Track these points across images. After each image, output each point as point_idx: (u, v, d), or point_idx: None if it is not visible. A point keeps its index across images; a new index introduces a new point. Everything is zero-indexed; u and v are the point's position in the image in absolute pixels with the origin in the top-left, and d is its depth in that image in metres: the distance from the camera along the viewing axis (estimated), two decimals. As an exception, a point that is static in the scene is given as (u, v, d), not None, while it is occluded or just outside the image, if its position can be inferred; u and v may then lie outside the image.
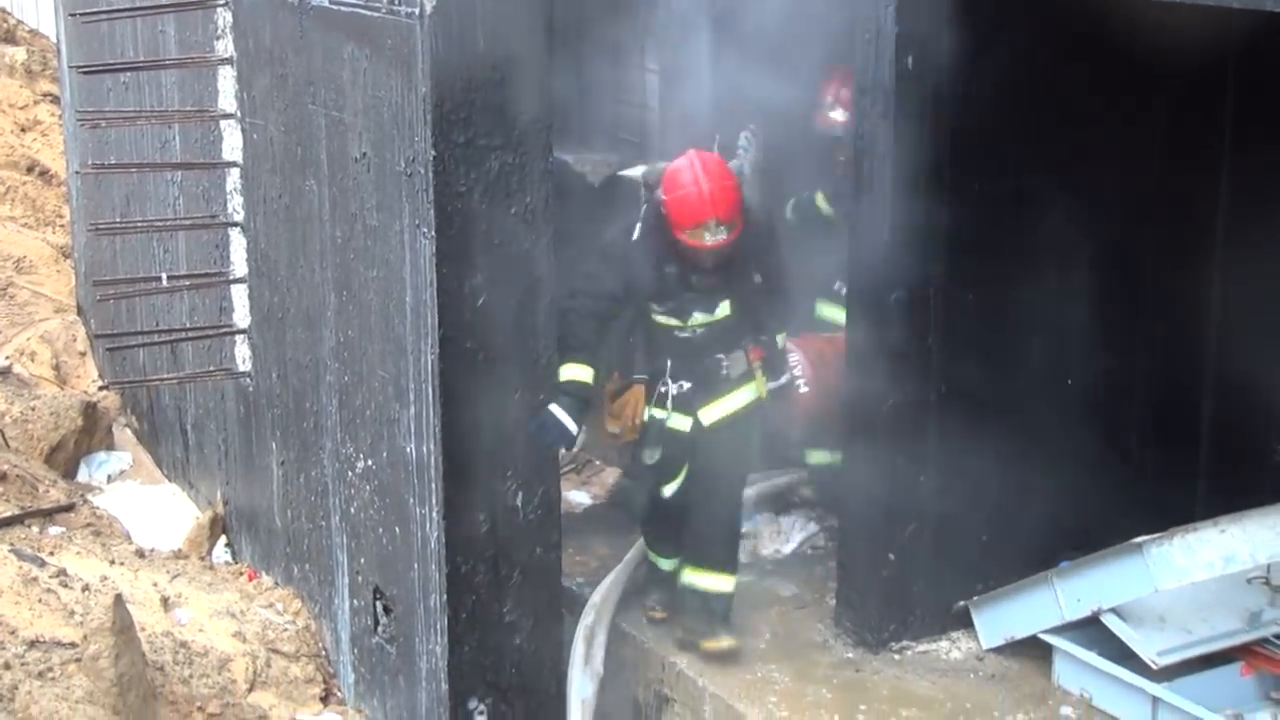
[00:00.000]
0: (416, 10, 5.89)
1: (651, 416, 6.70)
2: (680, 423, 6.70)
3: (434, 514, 6.31)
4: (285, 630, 7.55)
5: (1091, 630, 6.37)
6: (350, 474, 7.08)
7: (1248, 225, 6.98)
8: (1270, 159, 6.73)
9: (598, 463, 8.85)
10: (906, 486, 6.66)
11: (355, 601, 7.21)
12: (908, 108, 6.28)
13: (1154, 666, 6.08)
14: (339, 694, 7.39)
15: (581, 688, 6.73)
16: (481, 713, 6.52)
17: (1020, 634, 6.59)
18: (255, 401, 8.19)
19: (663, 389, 6.66)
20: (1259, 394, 6.90)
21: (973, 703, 6.41)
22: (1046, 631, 6.39)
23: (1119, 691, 6.18)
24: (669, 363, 6.64)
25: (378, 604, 6.98)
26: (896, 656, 6.80)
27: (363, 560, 7.09)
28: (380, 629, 7.00)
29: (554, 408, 6.34)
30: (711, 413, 6.70)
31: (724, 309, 6.54)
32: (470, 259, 6.11)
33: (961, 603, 6.86)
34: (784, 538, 7.80)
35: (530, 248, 6.24)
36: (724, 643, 6.58)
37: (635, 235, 6.52)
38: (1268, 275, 6.84)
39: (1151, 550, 6.08)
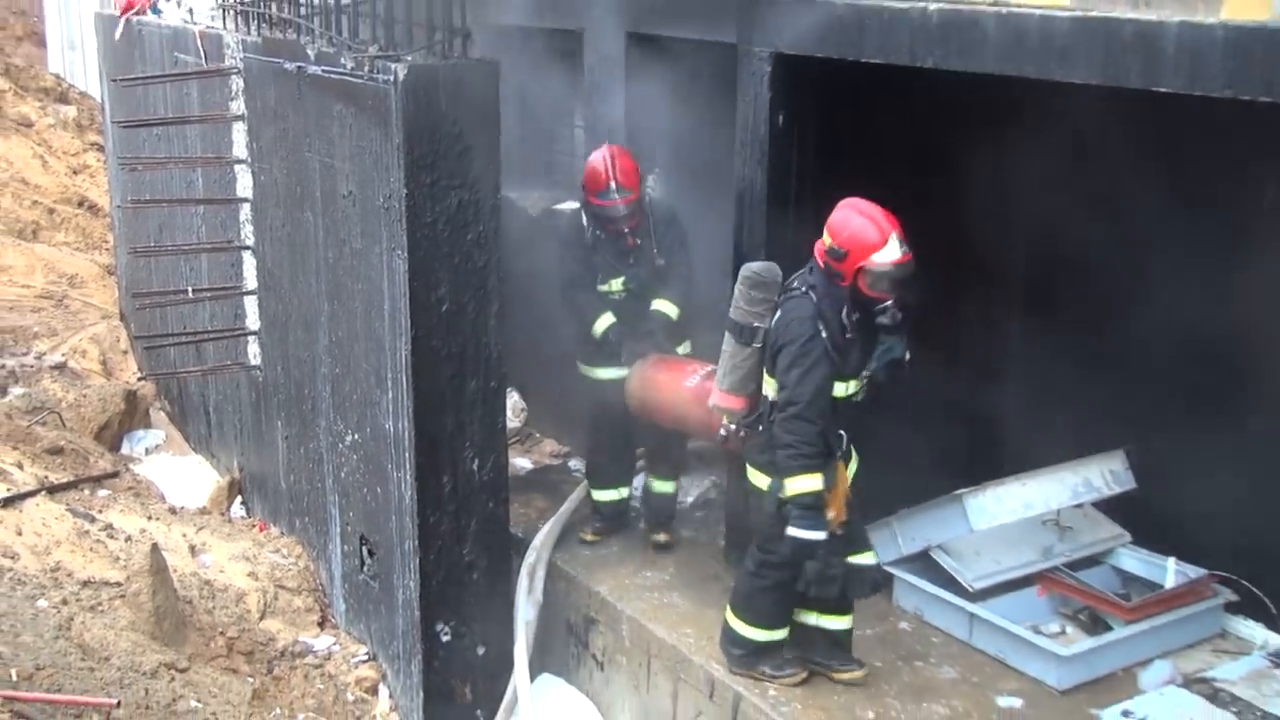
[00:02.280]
0: (391, 78, 5.93)
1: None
2: None
3: (408, 477, 6.34)
4: (289, 570, 7.56)
5: (923, 562, 6.44)
6: (341, 445, 7.09)
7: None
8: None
9: (537, 435, 8.86)
10: None
11: (345, 547, 7.23)
12: (775, 156, 6.25)
13: (971, 590, 6.19)
14: (333, 620, 7.40)
15: (525, 612, 6.72)
16: (446, 634, 6.53)
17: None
18: (264, 389, 8.19)
19: (842, 460, 5.53)
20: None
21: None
22: (888, 564, 6.40)
23: (944, 610, 6.28)
24: (843, 434, 5.52)
25: (364, 549, 7.00)
26: None
27: (351, 514, 7.11)
28: (366, 568, 7.01)
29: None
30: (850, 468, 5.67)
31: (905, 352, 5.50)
32: (436, 275, 6.14)
33: None
34: (684, 492, 7.71)
35: (483, 266, 6.26)
36: (858, 673, 5.79)
37: (819, 302, 5.37)
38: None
39: (969, 499, 6.21)
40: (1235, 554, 6.18)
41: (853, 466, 5.60)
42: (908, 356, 5.41)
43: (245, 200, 7.98)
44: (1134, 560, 6.57)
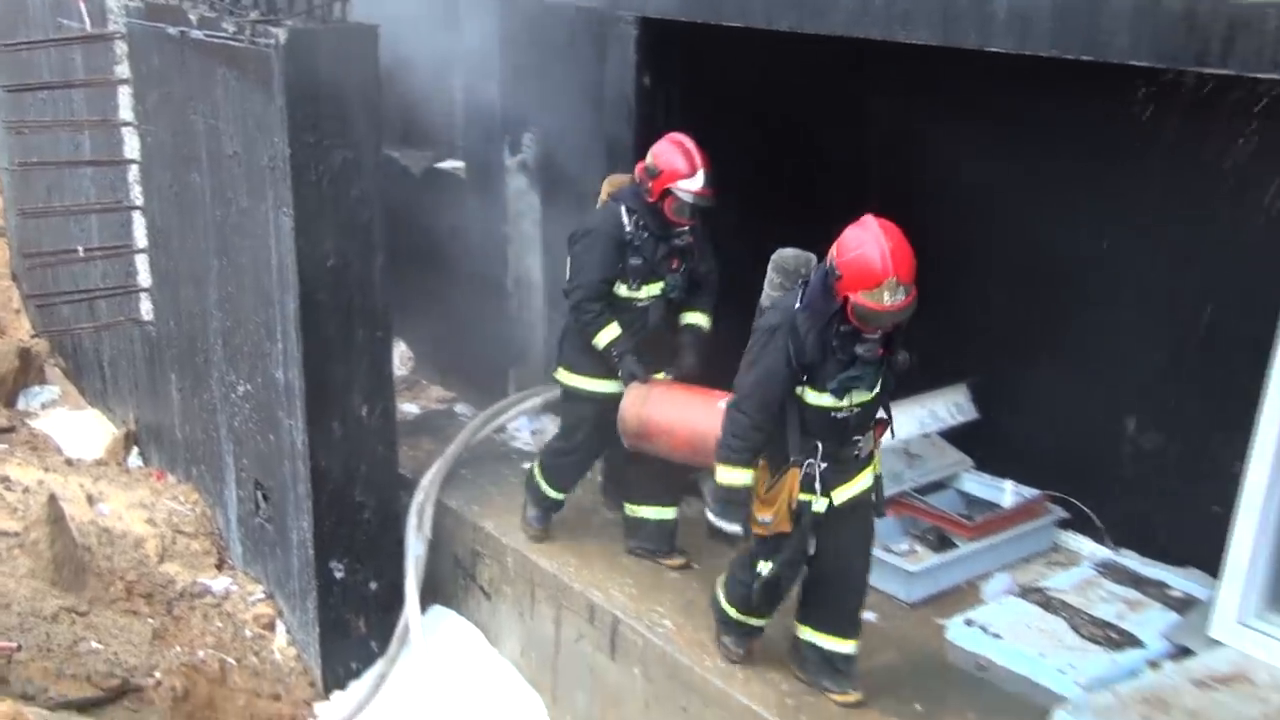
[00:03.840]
0: (273, 42, 5.75)
1: (801, 502, 4.79)
2: (820, 505, 4.85)
3: (299, 424, 6.22)
4: (186, 516, 7.39)
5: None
6: (233, 395, 6.92)
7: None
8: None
9: (423, 382, 8.74)
10: None
11: (241, 492, 7.07)
12: (642, 115, 6.24)
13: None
14: (230, 562, 7.26)
15: (415, 549, 6.65)
16: (340, 571, 6.46)
17: (734, 497, 6.66)
18: (157, 343, 7.95)
19: (810, 471, 4.75)
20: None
21: (695, 545, 6.34)
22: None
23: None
24: (819, 445, 4.75)
25: (258, 493, 6.85)
26: None
27: (245, 461, 6.96)
28: (261, 512, 6.87)
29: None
30: (844, 493, 4.87)
31: (879, 388, 4.80)
32: (321, 231, 5.99)
33: (691, 476, 6.65)
34: (564, 434, 7.70)
35: (367, 222, 6.12)
36: (853, 696, 5.09)
37: (798, 311, 4.64)
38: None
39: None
40: (1065, 476, 6.32)
41: (853, 488, 4.88)
42: (874, 393, 4.75)
43: (133, 162, 7.67)
44: (976, 484, 6.66)
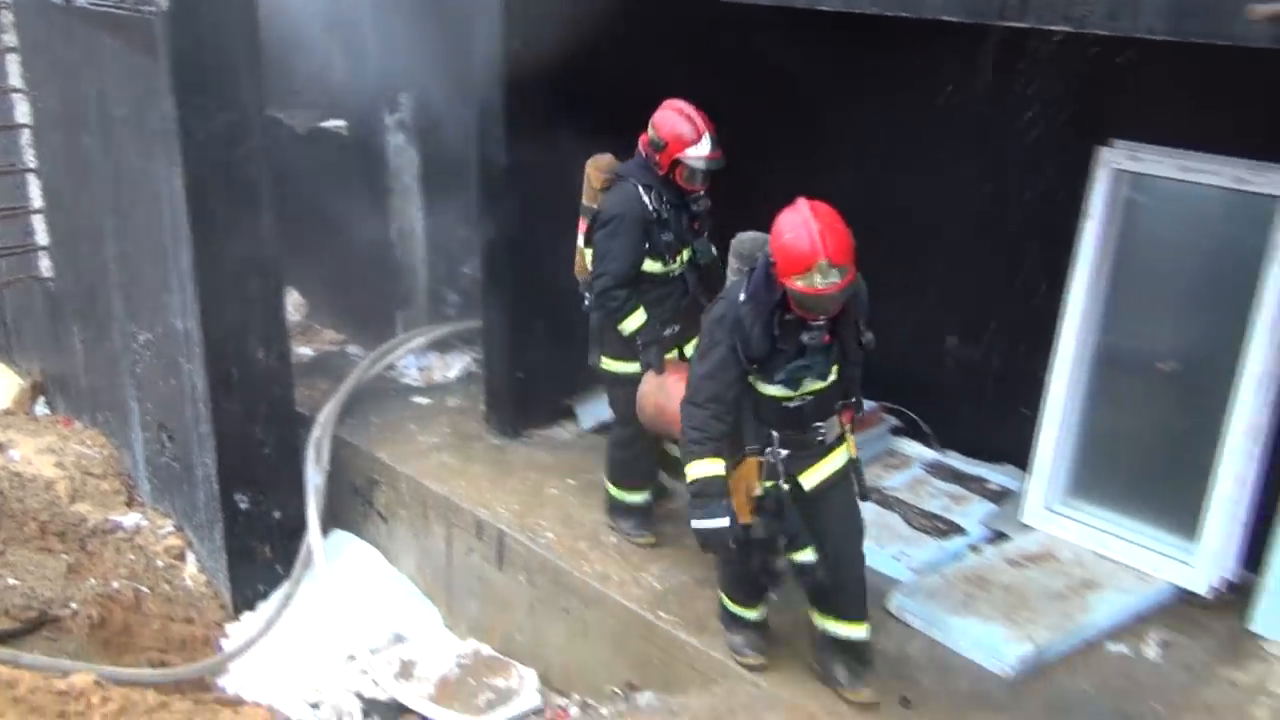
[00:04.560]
0: (155, 10, 5.68)
1: (766, 489, 4.40)
2: (784, 489, 4.44)
3: (199, 368, 6.21)
4: (95, 459, 7.33)
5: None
6: (135, 344, 6.87)
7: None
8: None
9: (317, 326, 8.72)
10: (525, 332, 6.69)
11: (146, 434, 7.05)
12: (511, 77, 6.20)
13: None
14: (140, 499, 7.23)
15: (314, 479, 6.72)
16: (245, 503, 6.49)
17: (604, 418, 6.63)
18: (58, 298, 7.83)
19: (771, 460, 4.37)
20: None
21: (572, 464, 6.55)
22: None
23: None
24: (775, 434, 4.37)
25: (163, 435, 6.84)
26: (527, 440, 6.85)
27: (149, 404, 6.93)
28: (166, 451, 6.86)
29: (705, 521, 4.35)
30: (813, 477, 4.49)
31: (834, 374, 4.38)
32: (210, 188, 5.96)
33: (566, 401, 7.00)
34: (448, 367, 7.78)
35: (254, 178, 6.09)
36: (862, 695, 4.70)
37: (742, 303, 4.25)
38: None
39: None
40: (898, 389, 6.53)
41: (822, 470, 4.50)
42: (829, 380, 4.37)
43: (25, 126, 7.53)
44: None
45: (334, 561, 6.61)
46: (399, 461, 6.69)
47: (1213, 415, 5.15)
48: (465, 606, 6.35)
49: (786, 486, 4.42)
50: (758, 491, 4.40)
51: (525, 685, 5.82)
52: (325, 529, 6.70)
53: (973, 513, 5.97)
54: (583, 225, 5.51)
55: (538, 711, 5.70)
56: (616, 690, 5.43)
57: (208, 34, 5.78)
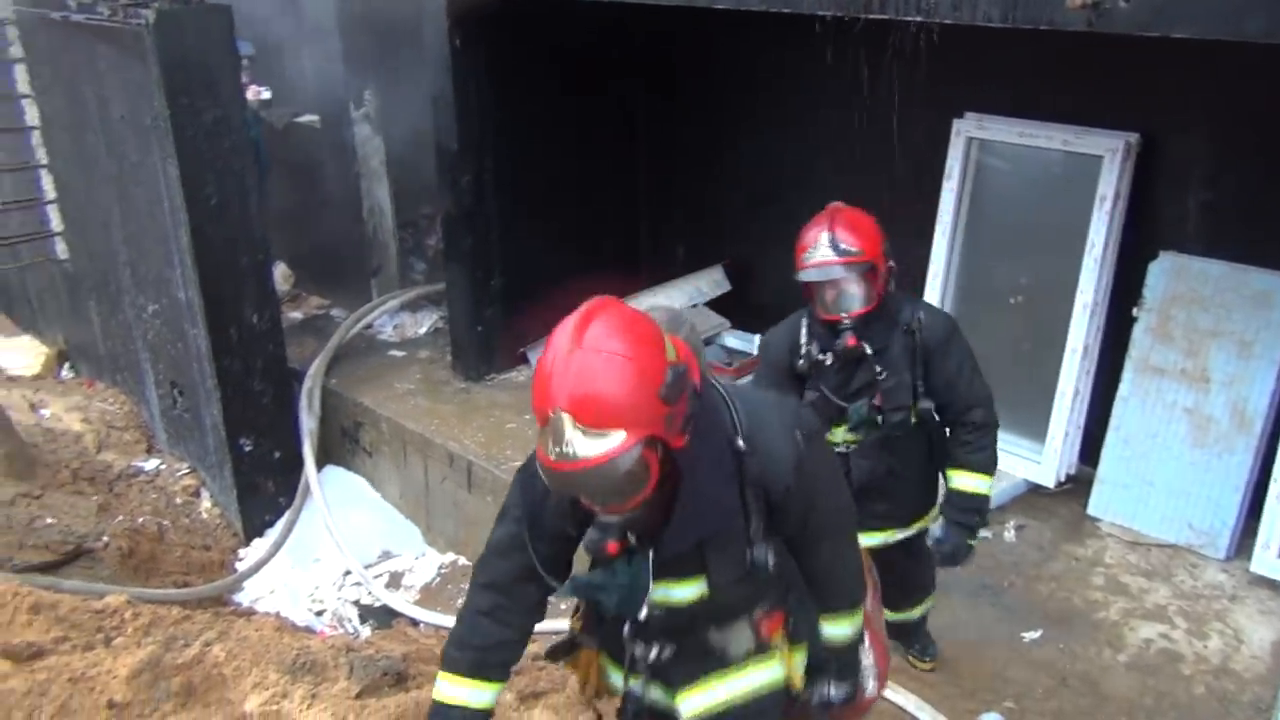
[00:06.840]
0: (144, 22, 5.60)
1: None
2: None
3: (202, 332, 6.16)
4: (116, 414, 7.27)
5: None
6: (145, 315, 6.80)
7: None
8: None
9: (304, 294, 8.65)
10: (483, 291, 6.68)
11: (160, 391, 6.99)
12: (458, 71, 6.14)
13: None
14: (158, 447, 7.19)
15: (308, 424, 6.72)
16: (248, 445, 6.46)
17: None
18: (75, 277, 7.70)
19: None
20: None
21: (528, 402, 6.26)
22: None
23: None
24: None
25: (174, 391, 6.80)
26: (489, 383, 6.85)
27: (161, 366, 6.87)
28: (178, 405, 6.83)
29: None
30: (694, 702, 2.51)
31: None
32: (202, 176, 5.88)
33: (521, 349, 6.98)
34: (419, 325, 7.77)
35: (240, 168, 6.02)
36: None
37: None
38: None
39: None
40: None
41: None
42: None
43: (35, 128, 7.35)
44: (734, 339, 6.92)
45: (328, 492, 6.63)
46: (380, 405, 6.70)
47: (1054, 339, 5.30)
48: (442, 526, 6.40)
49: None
50: None
51: (494, 587, 5.88)
52: (319, 465, 6.71)
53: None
54: None
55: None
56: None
57: (191, 42, 5.69)
